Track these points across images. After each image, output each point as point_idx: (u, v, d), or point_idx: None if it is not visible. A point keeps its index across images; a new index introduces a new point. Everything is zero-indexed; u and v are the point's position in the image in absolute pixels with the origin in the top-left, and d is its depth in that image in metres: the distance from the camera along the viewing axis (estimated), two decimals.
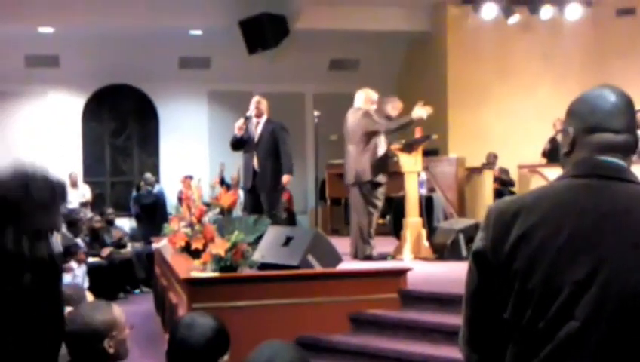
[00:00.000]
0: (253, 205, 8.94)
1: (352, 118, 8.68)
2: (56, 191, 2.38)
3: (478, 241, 1.91)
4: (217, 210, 6.56)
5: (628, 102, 1.94)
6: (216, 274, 5.73)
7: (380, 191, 8.58)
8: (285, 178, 8.95)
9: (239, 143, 9.09)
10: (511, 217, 1.85)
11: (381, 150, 8.52)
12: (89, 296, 3.44)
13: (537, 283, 1.78)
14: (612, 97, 1.92)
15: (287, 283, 5.86)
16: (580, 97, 1.96)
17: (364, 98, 8.75)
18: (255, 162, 8.96)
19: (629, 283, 1.75)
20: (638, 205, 1.82)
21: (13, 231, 2.26)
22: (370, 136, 8.46)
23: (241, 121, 9.02)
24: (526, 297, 1.79)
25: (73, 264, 10.77)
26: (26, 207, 2.28)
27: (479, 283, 1.89)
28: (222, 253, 5.75)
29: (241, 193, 10.20)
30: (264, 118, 9.14)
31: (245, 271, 5.93)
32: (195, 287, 5.59)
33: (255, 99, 9.24)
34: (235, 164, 15.25)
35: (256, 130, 9.07)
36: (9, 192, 2.28)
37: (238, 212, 8.55)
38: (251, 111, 9.11)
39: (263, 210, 8.72)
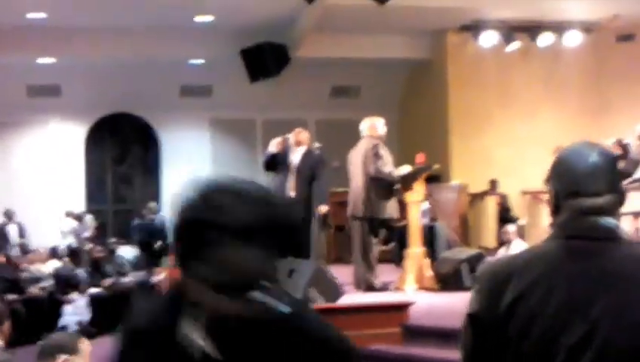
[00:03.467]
0: None
1: (362, 148, 8.61)
2: (266, 219, 1.48)
3: (473, 303, 1.90)
4: None
5: (608, 161, 1.91)
6: None
7: (382, 226, 8.57)
8: (324, 208, 9.07)
9: (274, 162, 9.06)
10: (503, 280, 1.84)
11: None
12: (85, 345, 3.38)
13: (532, 348, 1.77)
14: (592, 157, 1.88)
15: None
16: (561, 157, 1.94)
17: (369, 126, 8.71)
18: (291, 187, 8.92)
19: (625, 347, 1.73)
20: (629, 266, 1.80)
21: (195, 269, 1.46)
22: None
23: (279, 139, 9.02)
24: (522, 360, 1.78)
25: (74, 295, 10.74)
26: (215, 235, 1.45)
27: (475, 344, 1.87)
28: None
29: None
30: (304, 147, 9.16)
31: None
32: None
33: (297, 130, 9.26)
34: None
35: (295, 156, 9.06)
36: (195, 213, 1.48)
37: None
38: (290, 138, 9.13)
39: None
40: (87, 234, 14.71)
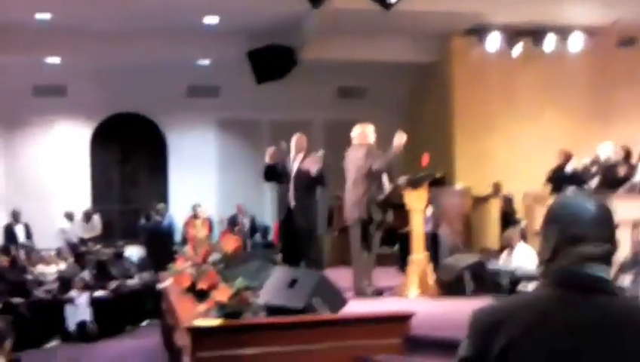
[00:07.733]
0: (287, 236, 8.96)
1: (354, 154, 8.62)
2: None
3: (464, 348, 1.94)
4: (219, 255, 6.56)
5: (607, 213, 1.95)
6: (219, 322, 5.74)
7: (378, 230, 8.56)
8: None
9: (271, 173, 8.96)
10: (494, 327, 1.87)
11: (385, 189, 8.52)
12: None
13: None
14: (593, 208, 1.93)
15: (291, 329, 5.86)
16: (561, 204, 1.98)
17: (360, 133, 8.71)
18: (292, 196, 8.84)
19: None
20: (618, 320, 1.84)
21: None
22: (370, 175, 8.45)
23: (272, 149, 8.95)
24: None
25: (73, 293, 10.70)
26: None
27: None
28: (225, 299, 5.76)
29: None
30: (302, 154, 9.02)
31: (249, 318, 5.94)
32: (198, 336, 5.61)
33: (295, 136, 9.08)
34: (243, 195, 15.34)
35: (294, 164, 8.94)
36: None
37: None
38: (290, 146, 8.99)
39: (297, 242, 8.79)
40: (79, 235, 14.62)
